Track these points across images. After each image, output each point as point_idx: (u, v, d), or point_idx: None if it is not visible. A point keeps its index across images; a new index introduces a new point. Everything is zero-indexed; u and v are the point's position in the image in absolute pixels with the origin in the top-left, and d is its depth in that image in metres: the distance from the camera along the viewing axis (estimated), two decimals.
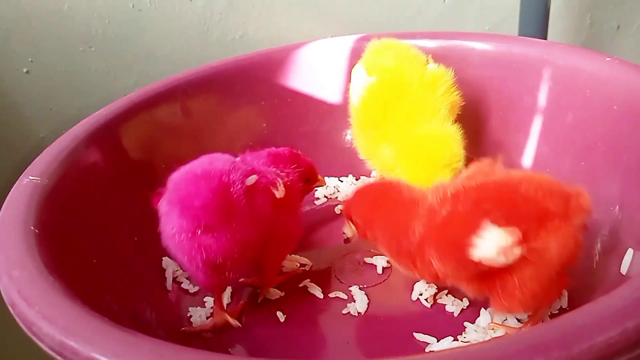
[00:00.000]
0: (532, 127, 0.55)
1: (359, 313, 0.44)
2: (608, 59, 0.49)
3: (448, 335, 0.40)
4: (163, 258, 0.49)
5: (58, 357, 0.27)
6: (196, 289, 0.48)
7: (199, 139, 0.56)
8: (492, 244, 0.33)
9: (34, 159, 0.44)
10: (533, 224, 0.34)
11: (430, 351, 0.39)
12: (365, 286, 0.46)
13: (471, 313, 0.42)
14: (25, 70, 0.63)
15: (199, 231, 0.37)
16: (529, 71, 0.55)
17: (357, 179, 0.60)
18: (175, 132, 0.56)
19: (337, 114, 0.61)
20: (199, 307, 0.46)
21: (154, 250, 0.47)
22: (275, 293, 0.46)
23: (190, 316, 0.45)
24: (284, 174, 0.44)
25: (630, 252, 0.39)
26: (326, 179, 0.59)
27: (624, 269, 0.38)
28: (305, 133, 0.62)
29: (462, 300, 0.43)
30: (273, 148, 0.47)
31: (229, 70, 0.60)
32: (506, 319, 0.41)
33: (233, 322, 0.43)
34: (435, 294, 0.44)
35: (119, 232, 0.45)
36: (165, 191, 0.39)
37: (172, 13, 0.66)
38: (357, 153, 0.55)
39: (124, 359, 0.25)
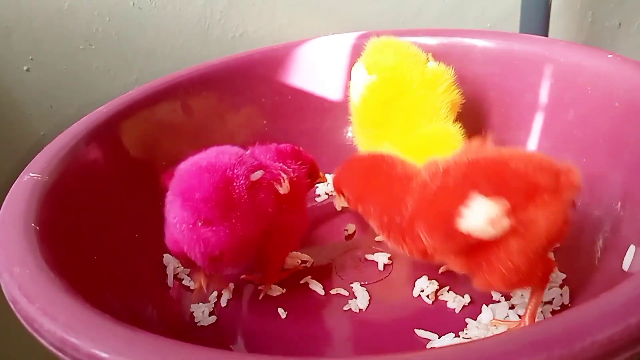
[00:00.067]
0: (533, 124, 0.54)
1: (360, 310, 0.44)
2: (610, 55, 0.49)
3: (449, 332, 0.40)
4: (164, 255, 0.49)
5: (59, 354, 0.27)
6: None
7: (199, 137, 0.56)
8: (480, 214, 0.33)
9: (35, 156, 0.44)
10: (521, 197, 0.34)
11: (431, 348, 0.39)
12: (366, 283, 0.46)
13: (473, 309, 0.42)
14: (25, 68, 0.63)
15: (200, 223, 0.37)
16: (530, 68, 0.54)
17: None
18: (176, 130, 0.56)
19: (337, 111, 0.61)
20: (200, 304, 0.46)
21: (155, 247, 0.47)
22: (277, 290, 0.46)
23: (192, 312, 0.45)
24: (290, 169, 0.44)
25: (632, 249, 0.39)
26: (327, 176, 0.59)
27: (625, 266, 0.38)
28: (306, 130, 0.62)
29: (463, 297, 0.43)
30: (275, 144, 0.47)
31: (229, 68, 0.60)
32: (507, 316, 0.41)
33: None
34: (437, 291, 0.44)
35: (119, 229, 0.45)
36: (179, 165, 0.40)
37: (173, 11, 0.66)
38: (357, 151, 0.55)
39: (125, 355, 0.25)
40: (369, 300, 0.44)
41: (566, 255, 0.45)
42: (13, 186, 0.40)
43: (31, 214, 0.37)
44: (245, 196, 0.38)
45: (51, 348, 0.28)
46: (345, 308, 0.44)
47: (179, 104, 0.57)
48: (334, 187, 0.44)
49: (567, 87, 0.52)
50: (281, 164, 0.44)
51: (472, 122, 0.52)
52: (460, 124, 0.50)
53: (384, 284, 0.46)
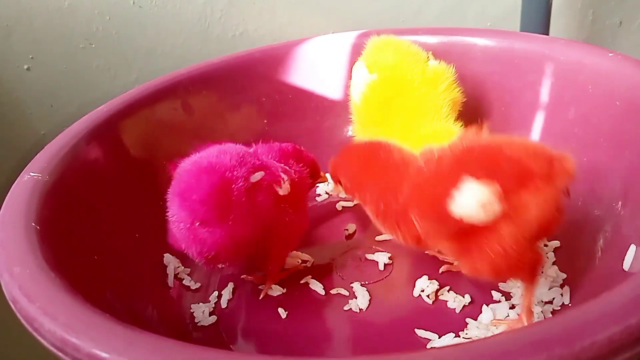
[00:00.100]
0: (534, 122, 0.54)
1: (360, 309, 0.44)
2: (610, 54, 0.49)
3: (450, 332, 0.40)
4: (164, 255, 0.49)
5: (59, 354, 0.27)
6: (198, 285, 0.48)
7: (199, 136, 0.56)
8: (471, 197, 0.33)
9: (35, 155, 0.44)
10: (514, 182, 0.33)
11: (431, 348, 0.39)
12: (366, 282, 0.46)
13: (473, 309, 0.42)
14: (26, 67, 0.63)
15: (197, 223, 0.37)
16: (531, 67, 0.54)
17: None
18: (176, 129, 0.56)
19: (338, 110, 0.61)
20: (200, 304, 0.46)
21: (155, 247, 0.47)
22: (277, 289, 0.46)
23: (193, 312, 0.45)
24: (291, 170, 0.44)
25: (633, 249, 0.38)
26: (327, 175, 0.59)
27: (626, 266, 0.38)
28: (307, 129, 0.62)
29: (463, 297, 0.43)
30: (278, 143, 0.47)
31: (229, 66, 0.60)
32: (508, 315, 0.41)
33: None
34: (437, 291, 0.44)
35: (120, 229, 0.45)
36: (182, 162, 0.40)
37: (173, 10, 0.65)
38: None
39: (125, 356, 0.25)
40: (370, 300, 0.44)
41: (567, 255, 0.45)
42: (13, 186, 0.40)
43: (31, 214, 0.37)
44: (244, 198, 0.38)
45: (51, 348, 0.28)
46: (346, 308, 0.44)
47: (179, 103, 0.57)
48: (331, 174, 0.44)
49: (567, 86, 0.51)
50: (283, 164, 0.43)
51: (472, 121, 0.52)
52: (461, 123, 0.50)
53: (384, 284, 0.46)
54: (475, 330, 0.40)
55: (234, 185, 0.38)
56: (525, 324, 0.38)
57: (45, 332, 0.28)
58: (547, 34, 0.68)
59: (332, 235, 0.53)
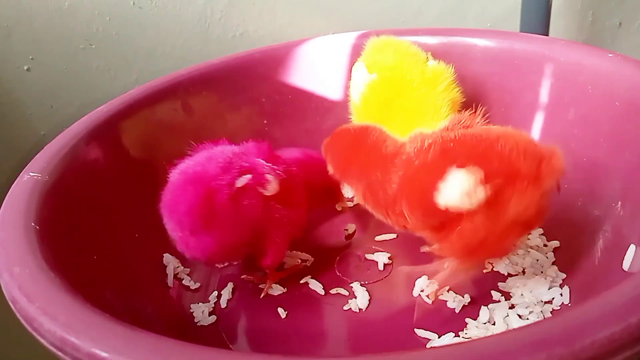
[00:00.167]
0: (533, 123, 0.54)
1: (360, 309, 0.44)
2: (610, 55, 0.49)
3: (449, 332, 0.40)
4: (164, 255, 0.49)
5: (59, 353, 0.27)
6: (197, 285, 0.48)
7: (199, 136, 0.56)
8: (455, 186, 0.34)
9: (35, 155, 0.44)
10: (500, 179, 0.34)
11: (431, 347, 0.39)
12: (366, 282, 0.46)
13: (472, 309, 0.42)
14: (26, 68, 0.63)
15: (187, 232, 0.40)
16: (531, 67, 0.54)
17: None
18: (176, 129, 0.56)
19: (338, 110, 0.61)
20: (200, 304, 0.46)
21: (155, 246, 0.47)
22: (277, 289, 0.46)
23: (192, 312, 0.45)
24: (279, 168, 0.43)
25: (632, 248, 0.39)
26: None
27: (626, 266, 0.38)
28: (307, 130, 0.62)
29: (463, 297, 0.43)
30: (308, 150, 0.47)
31: (229, 67, 0.60)
32: (507, 315, 0.41)
33: None
34: (437, 290, 0.44)
35: (119, 229, 0.45)
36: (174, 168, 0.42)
37: (173, 10, 0.66)
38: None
39: (124, 355, 0.25)
40: (369, 300, 0.44)
41: (566, 255, 0.45)
42: (13, 186, 0.40)
43: (31, 214, 0.37)
44: (229, 205, 0.39)
45: (51, 348, 0.27)
46: (345, 308, 0.44)
47: (179, 104, 0.57)
48: (324, 155, 0.45)
49: (567, 87, 0.51)
50: (271, 164, 0.43)
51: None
52: (465, 112, 0.50)
53: (384, 284, 0.46)
54: (475, 330, 0.40)
55: (218, 194, 0.39)
56: (445, 270, 0.41)
57: (44, 331, 0.28)
58: (547, 35, 0.68)
59: (332, 235, 0.53)
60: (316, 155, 0.48)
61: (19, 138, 0.65)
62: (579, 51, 0.51)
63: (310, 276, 0.47)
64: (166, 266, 0.48)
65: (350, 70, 0.57)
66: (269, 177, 0.42)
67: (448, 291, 0.44)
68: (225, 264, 0.50)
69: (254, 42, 0.69)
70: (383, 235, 0.50)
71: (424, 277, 0.45)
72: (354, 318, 0.43)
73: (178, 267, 0.49)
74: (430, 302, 0.43)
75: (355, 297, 0.45)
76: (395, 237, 0.50)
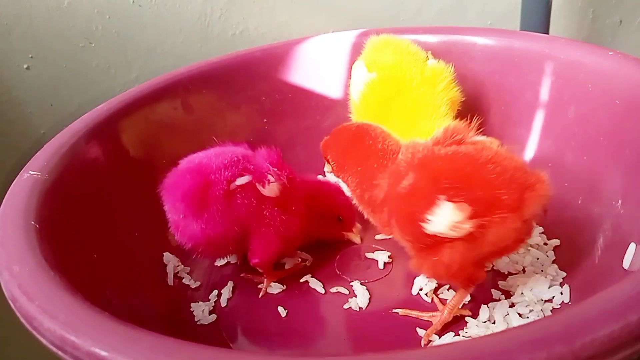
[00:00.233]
0: (534, 121, 0.54)
1: (360, 308, 0.44)
2: (610, 53, 0.49)
3: (449, 331, 0.40)
4: (164, 253, 0.49)
5: (59, 352, 0.27)
6: (197, 284, 0.48)
7: (199, 135, 0.56)
8: (444, 219, 0.34)
9: (35, 154, 0.44)
10: (482, 207, 0.34)
11: (431, 345, 0.39)
12: (366, 281, 0.46)
13: (472, 308, 0.42)
14: (25, 66, 0.63)
15: (181, 216, 0.41)
16: (531, 66, 0.54)
17: None
18: (176, 128, 0.56)
19: (338, 109, 0.61)
20: (200, 302, 0.46)
21: (155, 245, 0.47)
22: (277, 288, 0.46)
23: (192, 311, 0.45)
24: (281, 173, 0.44)
25: (632, 247, 0.38)
26: (327, 174, 0.59)
27: (626, 264, 0.38)
28: (307, 128, 0.62)
29: None
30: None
31: (229, 65, 0.60)
32: (507, 314, 0.41)
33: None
34: (436, 289, 0.44)
35: (119, 227, 0.45)
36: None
37: (173, 9, 0.65)
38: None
39: (124, 354, 0.25)
40: (369, 299, 0.44)
41: (566, 254, 0.45)
42: (13, 184, 0.40)
43: (31, 212, 0.37)
44: (221, 199, 0.41)
45: (51, 346, 0.27)
46: (346, 306, 0.44)
47: (179, 102, 0.56)
48: (322, 152, 0.45)
49: (567, 85, 0.51)
50: (276, 169, 0.44)
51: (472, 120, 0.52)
52: (460, 122, 0.50)
53: (384, 283, 0.46)
54: (475, 328, 0.40)
55: (214, 187, 0.41)
56: (444, 317, 0.40)
57: (44, 330, 0.28)
58: (547, 33, 0.68)
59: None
60: (331, 184, 0.50)
61: (19, 136, 0.65)
62: (579, 49, 0.51)
63: (310, 275, 0.47)
64: (166, 265, 0.48)
65: (350, 69, 0.57)
66: (270, 177, 0.42)
67: (448, 290, 0.44)
68: (224, 261, 0.50)
69: (254, 40, 0.69)
70: (383, 234, 0.50)
71: (423, 275, 0.45)
72: (354, 317, 0.43)
73: (178, 265, 0.49)
74: (429, 300, 0.43)
75: (356, 296, 0.45)
76: None
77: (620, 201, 0.43)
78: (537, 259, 0.45)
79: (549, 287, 0.42)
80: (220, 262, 0.50)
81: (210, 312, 0.45)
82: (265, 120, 0.61)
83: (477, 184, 0.35)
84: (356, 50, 0.59)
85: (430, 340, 0.40)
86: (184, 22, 0.66)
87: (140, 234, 0.47)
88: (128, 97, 0.53)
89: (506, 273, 0.45)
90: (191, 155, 0.44)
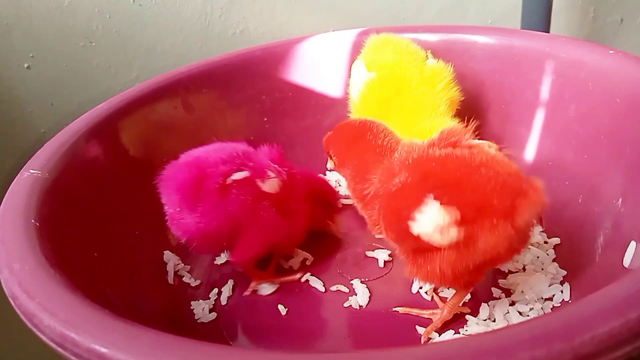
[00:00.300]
0: (534, 120, 0.54)
1: (360, 306, 0.44)
2: (611, 51, 0.49)
3: (449, 329, 0.40)
4: (164, 252, 0.49)
5: (59, 349, 0.27)
6: (197, 282, 0.48)
7: (199, 134, 0.56)
8: (430, 219, 0.34)
9: (35, 153, 0.44)
10: (472, 213, 0.33)
11: (431, 343, 0.39)
12: (366, 279, 0.46)
13: (472, 307, 0.42)
14: (26, 65, 0.63)
15: (177, 209, 0.42)
16: (531, 64, 0.54)
17: None
18: (176, 127, 0.56)
19: (338, 108, 0.61)
20: (200, 301, 0.46)
21: (155, 244, 0.47)
22: (272, 287, 0.46)
23: (193, 309, 0.45)
24: (283, 171, 0.44)
25: (633, 245, 0.38)
26: (327, 173, 0.59)
27: (626, 262, 0.38)
28: (306, 127, 0.62)
29: None
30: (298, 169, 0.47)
31: (230, 64, 0.60)
32: (508, 312, 0.41)
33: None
34: (436, 288, 0.44)
35: (119, 226, 0.45)
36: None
37: (173, 8, 0.65)
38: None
39: (124, 351, 0.25)
40: (369, 297, 0.44)
41: (567, 252, 0.45)
42: (13, 183, 0.40)
43: (31, 211, 0.37)
44: (217, 194, 0.41)
45: (51, 343, 0.28)
46: (346, 304, 0.44)
47: (179, 101, 0.57)
48: (325, 147, 0.45)
49: (568, 83, 0.51)
50: (277, 166, 0.44)
51: (472, 119, 0.52)
52: (460, 121, 0.50)
53: (384, 281, 0.46)
54: (475, 326, 0.40)
55: (209, 181, 0.41)
56: (444, 315, 0.40)
57: (44, 327, 0.28)
58: (548, 32, 0.68)
59: (332, 233, 0.53)
60: (319, 177, 0.50)
61: (19, 135, 0.65)
62: (580, 48, 0.51)
63: (310, 273, 0.47)
64: (166, 263, 0.48)
65: (350, 68, 0.57)
66: (270, 173, 0.42)
67: (448, 288, 0.44)
68: (224, 259, 0.50)
69: (254, 39, 0.69)
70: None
71: None
72: (354, 315, 0.43)
73: (178, 264, 0.49)
74: (429, 298, 0.43)
75: (356, 294, 0.45)
76: None
77: (620, 199, 0.43)
78: (538, 257, 0.45)
79: (549, 286, 0.42)
80: (220, 261, 0.50)
81: (211, 311, 0.45)
82: (265, 119, 0.61)
83: (468, 187, 0.34)
84: (356, 49, 0.59)
85: (430, 338, 0.40)
86: (185, 22, 0.66)
87: (140, 233, 0.47)
88: (128, 96, 0.53)
89: (506, 271, 0.45)
90: (193, 150, 0.44)
